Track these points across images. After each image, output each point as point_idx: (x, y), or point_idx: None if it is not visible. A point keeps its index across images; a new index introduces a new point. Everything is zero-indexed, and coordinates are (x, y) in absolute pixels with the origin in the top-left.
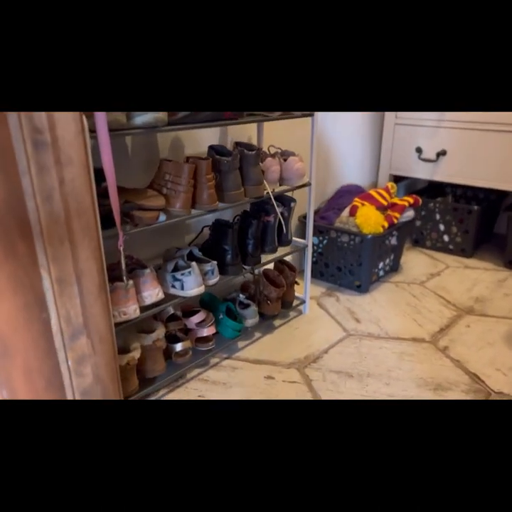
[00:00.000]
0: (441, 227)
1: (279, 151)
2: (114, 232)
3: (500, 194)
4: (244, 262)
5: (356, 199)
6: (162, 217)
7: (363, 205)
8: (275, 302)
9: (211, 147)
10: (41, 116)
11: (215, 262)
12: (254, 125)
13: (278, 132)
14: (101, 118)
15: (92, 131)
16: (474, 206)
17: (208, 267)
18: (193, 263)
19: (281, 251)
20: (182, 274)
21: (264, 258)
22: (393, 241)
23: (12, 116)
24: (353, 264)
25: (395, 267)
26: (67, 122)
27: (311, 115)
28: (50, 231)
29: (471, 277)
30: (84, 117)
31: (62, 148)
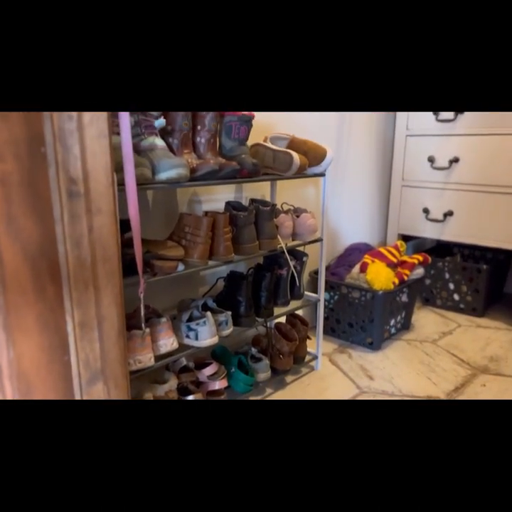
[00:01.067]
0: (451, 286)
1: (292, 207)
2: (134, 280)
3: (509, 253)
4: (257, 314)
5: (366, 256)
6: (181, 267)
7: (373, 261)
8: (287, 357)
9: (228, 203)
10: (77, 169)
11: (230, 313)
12: (267, 183)
13: (290, 190)
14: (130, 171)
15: (120, 184)
16: (483, 265)
17: (222, 317)
18: (208, 313)
19: (293, 305)
20: (197, 324)
21: (277, 311)
22: (404, 298)
23: (52, 168)
24: (364, 320)
25: (406, 325)
26: (99, 175)
27: (323, 175)
28: (76, 275)
29: (483, 336)
30: (114, 172)
31: (93, 198)
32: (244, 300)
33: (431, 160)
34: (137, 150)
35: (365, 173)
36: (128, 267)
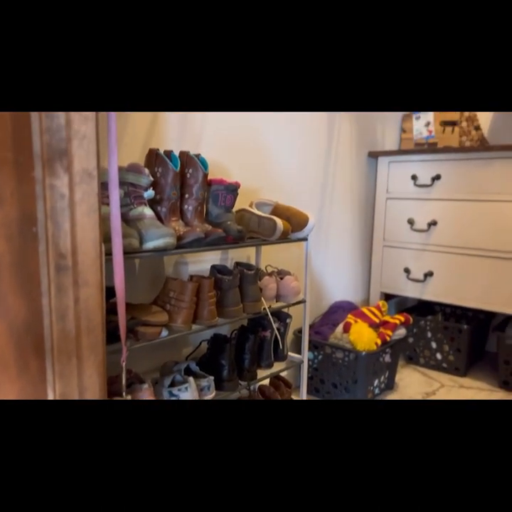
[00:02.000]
0: (434, 345)
1: (276, 270)
2: (117, 347)
3: (489, 313)
4: (240, 378)
5: (350, 316)
6: (164, 332)
7: (356, 321)
8: None
9: (213, 266)
10: (66, 244)
11: (212, 378)
12: (253, 247)
13: (275, 252)
14: (117, 243)
15: (108, 253)
16: (464, 325)
17: (204, 382)
18: (190, 378)
19: (277, 366)
20: (178, 390)
21: (261, 373)
22: (387, 358)
23: (41, 244)
24: (348, 381)
25: (390, 385)
26: (87, 248)
27: (305, 240)
28: (60, 347)
29: (466, 397)
30: (102, 244)
31: (81, 270)
32: (227, 364)
33: (410, 222)
34: (126, 219)
35: (348, 233)
36: (111, 334)
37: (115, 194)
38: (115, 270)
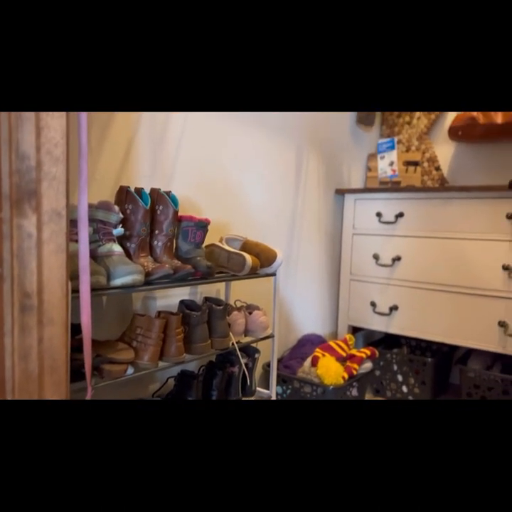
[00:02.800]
0: (400, 377)
1: (245, 305)
2: (82, 386)
3: (452, 346)
4: None
5: (317, 349)
6: (130, 370)
7: (323, 355)
8: None
9: (182, 302)
10: (32, 283)
11: None
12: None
13: (244, 286)
14: (85, 282)
15: (75, 290)
16: (428, 359)
17: None
18: None
19: None
20: None
21: None
22: (354, 392)
23: (6, 284)
24: None
25: None
26: (54, 287)
27: (274, 275)
28: (21, 388)
29: None
30: (69, 281)
31: (46, 309)
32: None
33: (376, 257)
34: (94, 256)
35: (316, 267)
36: (76, 372)
37: (84, 233)
38: (82, 308)
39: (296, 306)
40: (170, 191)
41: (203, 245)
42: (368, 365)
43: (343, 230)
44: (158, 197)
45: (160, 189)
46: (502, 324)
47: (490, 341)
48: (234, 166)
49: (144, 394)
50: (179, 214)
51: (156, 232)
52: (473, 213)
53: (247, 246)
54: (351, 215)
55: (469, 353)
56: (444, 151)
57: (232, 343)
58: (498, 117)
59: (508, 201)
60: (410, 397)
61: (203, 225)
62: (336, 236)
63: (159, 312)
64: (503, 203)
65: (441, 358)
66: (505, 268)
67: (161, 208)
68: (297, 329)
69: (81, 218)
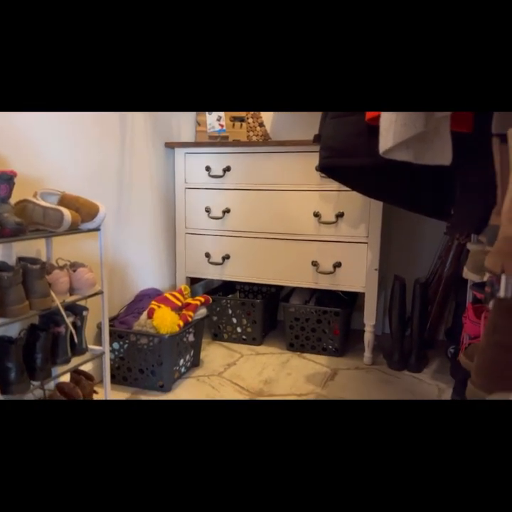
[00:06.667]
0: (234, 320)
1: (68, 263)
2: None
3: (279, 287)
4: (32, 378)
5: (153, 302)
6: None
7: (159, 307)
8: None
9: None
10: None
11: None
12: (42, 240)
13: (69, 245)
14: None
15: None
16: (257, 300)
17: None
18: None
19: (77, 361)
20: None
21: (60, 371)
22: (191, 338)
23: None
24: (154, 364)
25: (196, 362)
26: None
27: (98, 230)
28: None
29: (261, 362)
30: None
31: None
32: (14, 366)
33: (207, 210)
34: None
35: (150, 222)
36: None
37: None
38: None
39: (132, 263)
40: None
41: (13, 201)
42: (202, 311)
43: (175, 184)
44: None
45: None
46: (314, 263)
47: (306, 279)
48: (45, 116)
49: None
50: None
51: None
52: (290, 166)
53: (65, 201)
54: (182, 169)
55: (292, 291)
56: None
57: (55, 303)
58: None
59: (316, 155)
60: (244, 337)
61: (6, 178)
62: (170, 190)
63: None
64: (312, 157)
65: (270, 299)
66: (315, 215)
67: None
68: (134, 285)
69: None
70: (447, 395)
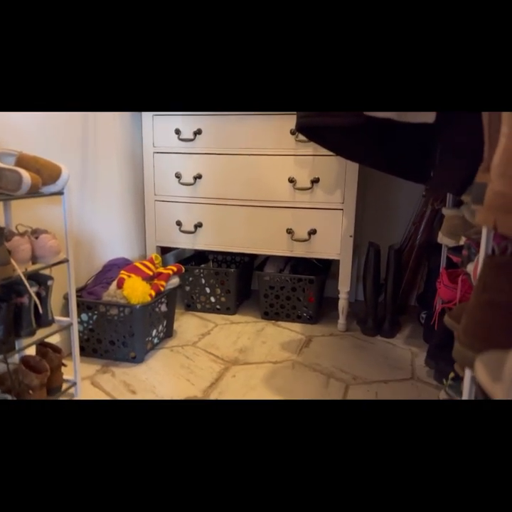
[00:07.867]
0: (208, 290)
1: (30, 229)
2: None
3: (253, 256)
4: None
5: (123, 271)
6: None
7: (129, 276)
8: (39, 390)
9: None
10: None
11: None
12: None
13: (30, 211)
14: None
15: None
16: (231, 269)
17: None
18: None
19: (42, 333)
20: None
21: (24, 343)
22: (163, 308)
23: None
24: (125, 335)
25: (169, 333)
26: None
27: (61, 193)
28: None
29: (235, 331)
30: None
31: None
32: None
33: (178, 176)
34: None
35: (118, 189)
36: None
37: None
38: None
39: (99, 231)
40: None
41: None
42: (175, 281)
43: (143, 148)
44: None
45: None
46: (289, 231)
47: (280, 247)
48: None
49: None
50: None
51: None
52: (264, 130)
53: (23, 161)
54: (150, 132)
55: (266, 260)
56: None
57: (16, 272)
58: None
59: (291, 117)
60: (218, 306)
61: None
62: (137, 155)
63: None
64: (287, 119)
65: (243, 268)
66: (290, 180)
67: None
68: (102, 255)
69: None
70: (420, 358)
